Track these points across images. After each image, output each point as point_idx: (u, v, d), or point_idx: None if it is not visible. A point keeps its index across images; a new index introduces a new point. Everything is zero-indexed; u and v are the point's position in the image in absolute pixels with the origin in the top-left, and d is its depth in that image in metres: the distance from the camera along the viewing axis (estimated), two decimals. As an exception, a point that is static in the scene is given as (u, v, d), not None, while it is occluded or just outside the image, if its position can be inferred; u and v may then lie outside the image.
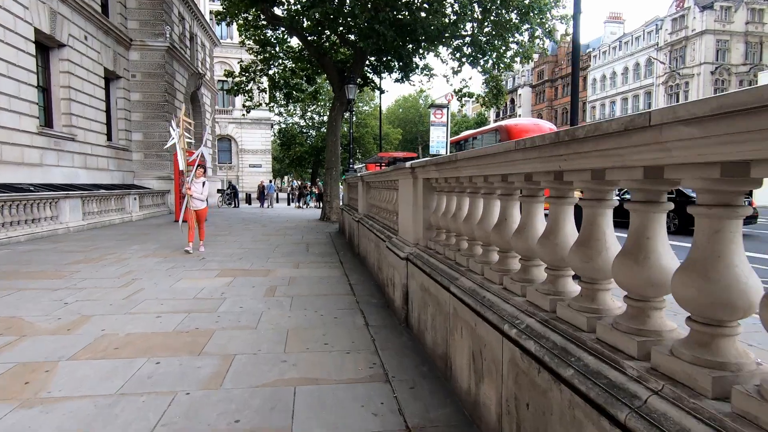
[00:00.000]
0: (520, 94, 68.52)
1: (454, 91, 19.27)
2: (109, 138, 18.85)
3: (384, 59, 18.55)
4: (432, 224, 4.28)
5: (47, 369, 3.35)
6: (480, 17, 15.94)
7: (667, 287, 1.55)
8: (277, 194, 37.78)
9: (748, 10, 42.50)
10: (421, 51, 17.44)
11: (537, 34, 16.17)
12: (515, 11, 15.34)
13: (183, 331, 4.22)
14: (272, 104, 23.71)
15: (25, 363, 3.45)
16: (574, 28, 7.15)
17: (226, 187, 29.76)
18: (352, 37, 17.16)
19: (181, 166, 8.86)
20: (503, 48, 17.06)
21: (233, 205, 28.63)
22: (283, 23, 16.65)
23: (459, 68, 17.60)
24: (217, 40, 33.20)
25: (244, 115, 28.17)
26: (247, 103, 20.94)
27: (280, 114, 45.68)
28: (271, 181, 35.22)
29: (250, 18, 18.42)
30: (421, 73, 19.60)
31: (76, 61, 15.82)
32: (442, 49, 18.16)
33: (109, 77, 18.94)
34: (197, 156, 8.97)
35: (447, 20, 15.43)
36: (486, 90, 20.15)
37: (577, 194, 2.44)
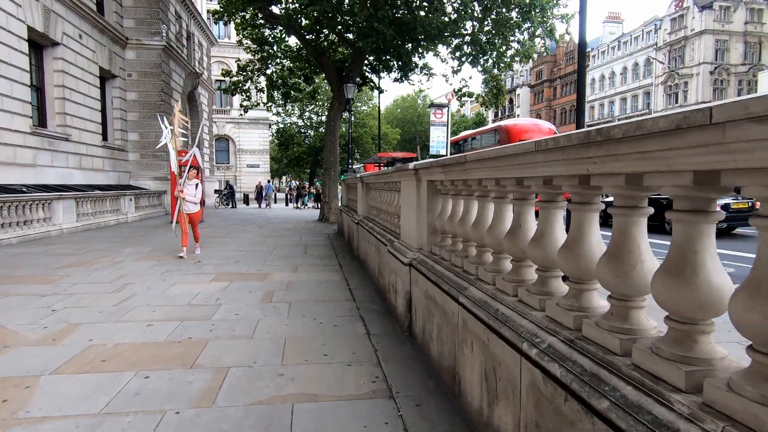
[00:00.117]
0: (518, 94, 68.40)
1: (454, 90, 19.09)
2: (105, 138, 18.61)
3: (383, 58, 18.35)
4: (436, 228, 4.08)
5: (28, 385, 3.14)
6: (480, 16, 15.75)
7: (717, 308, 1.36)
8: (275, 194, 37.53)
9: (747, 9, 42.43)
10: (420, 50, 17.25)
11: (538, 32, 15.98)
12: (517, 9, 15.15)
13: (175, 341, 4.02)
14: (270, 104, 23.49)
15: (4, 378, 3.24)
16: (581, 26, 6.96)
17: (224, 187, 29.49)
18: (351, 36, 16.96)
19: (173, 167, 8.56)
20: (503, 47, 16.89)
21: (230, 206, 28.37)
22: (281, 21, 16.43)
23: (459, 67, 17.41)
24: (214, 39, 32.95)
25: (241, 115, 27.83)
26: (245, 103, 20.73)
27: (278, 114, 45.46)
28: (269, 182, 35.00)
29: (247, 17, 18.20)
30: (421, 72, 19.42)
31: (70, 60, 15.59)
32: (441, 49, 17.98)
33: (105, 76, 18.69)
34: (189, 157, 8.70)
35: (447, 19, 15.24)
36: (486, 90, 19.98)
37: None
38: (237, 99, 34.04)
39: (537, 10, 14.97)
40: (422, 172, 4.08)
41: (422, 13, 15.43)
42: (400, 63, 18.27)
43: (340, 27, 16.39)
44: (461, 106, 66.28)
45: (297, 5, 15.92)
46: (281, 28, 18.44)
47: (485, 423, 2.43)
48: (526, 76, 67.62)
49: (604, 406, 1.45)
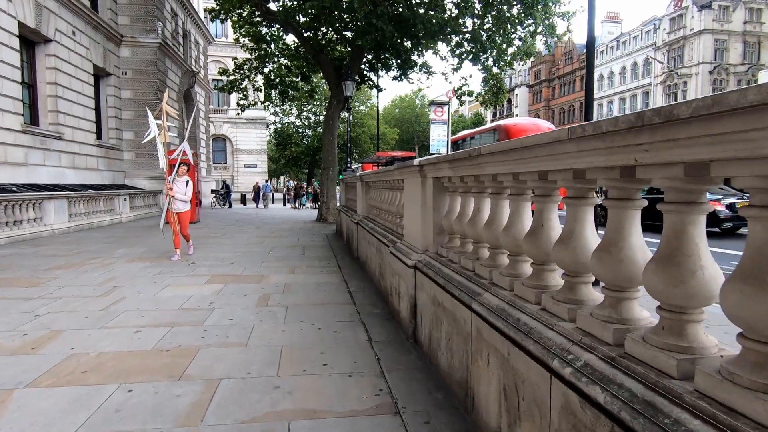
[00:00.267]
0: (517, 94, 68.20)
1: (454, 89, 18.84)
2: (99, 137, 18.30)
3: (382, 57, 18.09)
4: (443, 229, 3.83)
5: (0, 399, 2.87)
6: (480, 13, 15.51)
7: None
8: (273, 194, 37.21)
9: (746, 9, 42.35)
10: (420, 47, 16.99)
11: (539, 30, 15.74)
12: (519, 5, 14.91)
13: (163, 350, 3.75)
14: (267, 103, 23.20)
15: (-26, 392, 2.97)
16: (589, 20, 6.71)
17: (220, 187, 29.17)
18: (349, 34, 16.70)
19: (162, 164, 8.15)
20: (504, 45, 16.64)
21: (227, 206, 28.05)
22: (278, 18, 16.15)
23: (459, 65, 17.16)
24: (211, 38, 32.65)
25: (238, 114, 27.56)
26: (242, 102, 20.43)
27: (275, 114, 45.15)
28: (266, 182, 34.70)
29: (244, 14, 17.93)
30: (420, 71, 19.17)
31: (63, 57, 15.28)
32: (441, 46, 17.74)
33: (99, 74, 18.38)
34: (179, 152, 8.34)
35: (447, 15, 15.00)
36: (486, 88, 19.73)
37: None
38: (234, 98, 33.69)
39: (539, 6, 14.74)
40: (428, 168, 3.82)
41: (422, 11, 15.18)
42: (399, 61, 18.02)
43: (338, 24, 16.12)
44: (461, 105, 66.06)
45: (294, 2, 15.65)
46: (279, 26, 18.18)
47: (504, 446, 2.18)
48: (524, 76, 67.46)
49: (667, 444, 1.19)
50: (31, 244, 10.15)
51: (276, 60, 19.95)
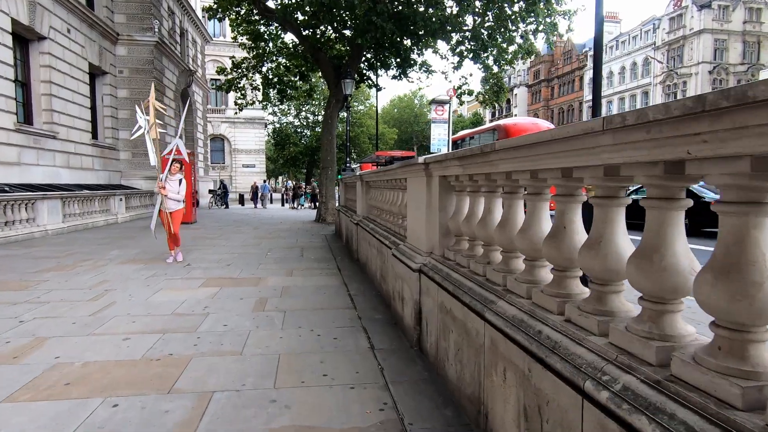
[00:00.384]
0: (516, 94, 68.06)
1: (455, 88, 18.64)
2: (95, 136, 18.06)
3: (381, 56, 17.89)
4: (450, 230, 3.62)
5: (-27, 416, 2.66)
6: (481, 10, 15.31)
7: None
8: (271, 195, 37.00)
9: (746, 9, 42.26)
10: (420, 45, 16.79)
11: (541, 28, 15.54)
12: (522, 2, 14.71)
13: (153, 359, 3.53)
14: (266, 103, 22.99)
15: (-54, 407, 2.75)
16: (597, 15, 6.51)
17: (218, 186, 28.92)
18: (348, 32, 16.49)
19: (153, 161, 7.86)
20: (505, 44, 16.45)
21: (224, 206, 27.81)
22: (276, 16, 15.93)
23: (459, 63, 16.95)
24: (209, 37, 32.43)
25: (236, 113, 27.32)
26: (240, 101, 20.19)
27: (274, 113, 44.91)
28: (265, 182, 34.48)
29: (242, 12, 17.71)
30: (420, 69, 18.97)
31: (57, 54, 15.04)
32: (441, 45, 17.54)
33: (95, 73, 18.14)
34: (172, 149, 8.05)
35: (448, 12, 14.80)
36: (486, 87, 19.54)
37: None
38: (232, 98, 33.50)
39: (542, 4, 14.54)
40: (434, 166, 3.61)
41: (422, 8, 14.98)
42: (398, 60, 17.81)
43: (337, 22, 15.91)
44: (460, 105, 65.93)
45: (293, -1, 15.45)
46: (277, 24, 17.96)
47: (524, 472, 1.97)
48: (523, 76, 67.34)
49: (743, 494, 0.99)
50: (23, 245, 9.92)
51: (274, 59, 19.73)
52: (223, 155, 44.65)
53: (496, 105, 22.15)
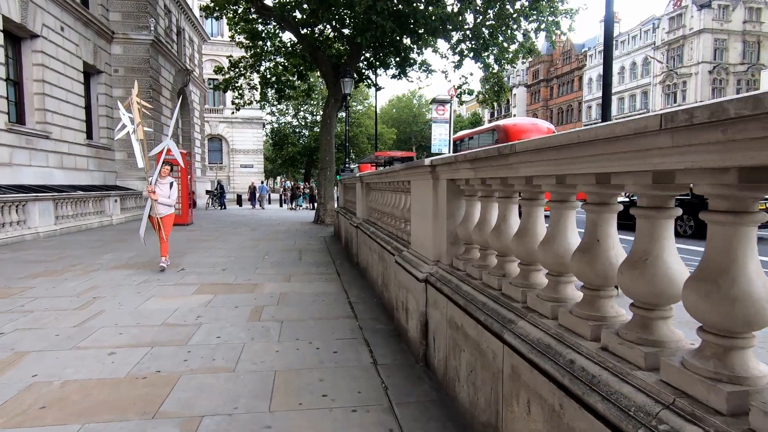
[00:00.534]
0: (515, 94, 67.84)
1: (455, 87, 18.40)
2: (89, 136, 17.75)
3: (380, 54, 17.64)
4: (459, 238, 3.37)
5: (-66, 446, 2.40)
6: (482, 8, 15.07)
7: None
8: (269, 195, 36.70)
9: (746, 8, 42.11)
10: (420, 44, 16.54)
11: (542, 26, 15.30)
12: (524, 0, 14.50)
13: (139, 377, 3.27)
14: (264, 102, 22.70)
15: None
16: (607, 10, 6.27)
17: (215, 187, 28.62)
18: (347, 31, 16.23)
19: (140, 163, 7.50)
20: (506, 42, 16.21)
21: (221, 207, 27.51)
22: (274, 14, 15.66)
23: (460, 62, 16.70)
24: (206, 36, 32.13)
25: (233, 113, 27.04)
26: (237, 101, 19.91)
27: (272, 114, 44.61)
28: (262, 182, 34.19)
29: (239, 11, 17.44)
30: (419, 69, 18.72)
31: (51, 53, 14.74)
32: (441, 43, 17.30)
33: (89, 72, 17.83)
34: (162, 149, 7.71)
35: (449, 10, 14.56)
36: (487, 87, 19.30)
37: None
38: (230, 98, 33.21)
39: (545, 2, 14.31)
40: (441, 169, 3.36)
41: (422, 6, 14.73)
42: (398, 59, 17.56)
43: (336, 20, 15.64)
44: (460, 105, 65.77)
45: (290, -4, 15.18)
46: (275, 23, 17.70)
47: None
48: (522, 76, 67.14)
49: None
50: (12, 248, 9.63)
51: (272, 58, 19.46)
52: (220, 155, 44.34)
53: (495, 105, 21.88)
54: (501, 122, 23.74)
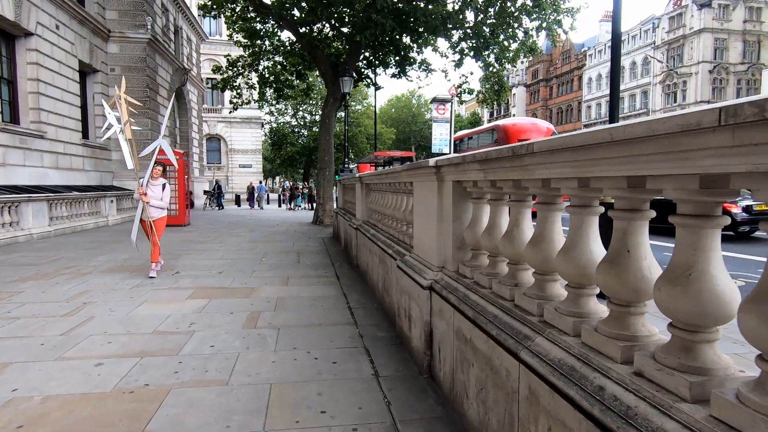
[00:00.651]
0: (514, 94, 67.63)
1: (456, 86, 18.22)
2: (85, 136, 17.53)
3: (380, 54, 17.45)
4: (465, 243, 3.18)
5: None
6: (483, 6, 14.88)
7: None
8: (268, 195, 36.50)
9: (746, 8, 41.99)
10: (420, 42, 16.36)
11: (545, 25, 15.12)
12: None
13: (126, 391, 3.08)
14: (262, 102, 22.47)
15: None
16: (615, 11, 6.08)
17: (212, 187, 28.41)
18: (346, 30, 16.04)
19: (129, 164, 7.24)
20: (506, 42, 16.03)
21: (219, 207, 27.30)
22: (273, 12, 15.46)
23: (461, 61, 16.51)
24: (204, 35, 31.91)
25: (231, 112, 26.82)
26: (235, 100, 19.70)
27: (271, 113, 44.39)
28: (261, 182, 33.98)
29: (237, 9, 17.23)
30: (419, 68, 18.54)
31: (45, 51, 14.51)
32: (441, 42, 17.13)
33: (85, 71, 17.61)
34: (154, 149, 7.47)
35: (450, 8, 14.38)
36: (487, 86, 19.12)
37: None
38: (228, 97, 32.99)
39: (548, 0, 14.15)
40: (447, 170, 3.17)
41: (422, 5, 14.54)
42: (397, 58, 17.38)
43: (335, 19, 15.44)
44: (460, 104, 65.67)
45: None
46: (273, 22, 17.50)
47: None
48: (521, 76, 66.98)
49: None
50: (5, 250, 9.42)
51: (270, 57, 19.26)
52: (219, 155, 44.13)
53: (495, 105, 21.68)
54: (500, 122, 23.58)
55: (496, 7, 14.83)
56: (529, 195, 2.43)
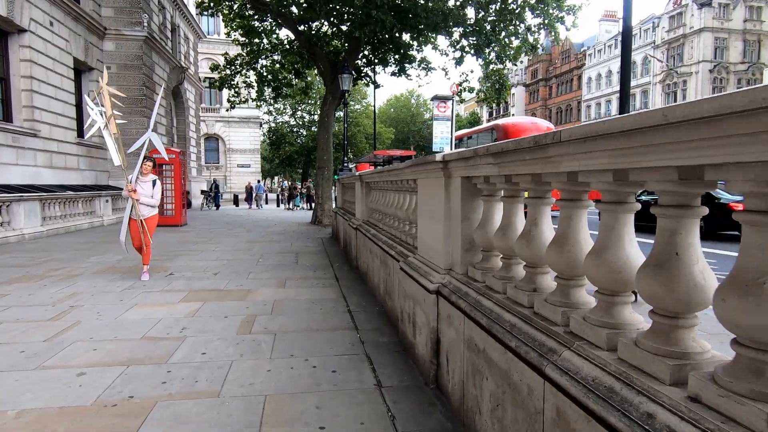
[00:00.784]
0: (513, 93, 67.39)
1: (457, 84, 18.00)
2: (80, 135, 17.24)
3: (379, 52, 17.23)
4: (475, 244, 2.95)
5: None
6: (484, 2, 14.66)
7: None
8: (267, 195, 36.25)
9: (746, 7, 41.86)
10: (420, 40, 16.13)
11: (547, 21, 14.90)
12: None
13: (108, 404, 2.84)
14: (260, 101, 22.24)
15: None
16: (625, 9, 5.86)
17: (210, 187, 28.14)
18: (344, 27, 15.81)
19: (116, 161, 6.93)
20: (507, 39, 15.82)
21: (216, 207, 27.04)
22: (270, 9, 15.23)
23: (461, 59, 16.29)
24: (201, 34, 31.65)
25: (228, 110, 26.57)
26: (233, 99, 19.46)
27: (269, 113, 44.15)
28: (259, 182, 33.73)
29: (235, 7, 16.99)
30: (419, 66, 18.32)
31: (39, 48, 14.27)
32: (441, 40, 16.92)
33: (80, 68, 17.37)
34: (143, 144, 7.08)
35: (451, 4, 14.16)
36: (488, 85, 18.91)
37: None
38: (227, 97, 32.76)
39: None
40: (455, 165, 2.94)
41: (422, 1, 14.32)
42: (397, 56, 17.16)
43: (334, 16, 15.21)
44: (461, 102, 65.51)
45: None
46: (271, 20, 17.27)
47: None
48: (521, 75, 66.79)
49: None
50: (-5, 251, 9.18)
51: (268, 55, 19.02)
52: (217, 155, 43.89)
53: (494, 104, 21.47)
54: (500, 121, 23.35)
55: (498, 4, 14.61)
56: (549, 191, 2.20)
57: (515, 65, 20.34)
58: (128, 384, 3.14)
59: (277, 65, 19.14)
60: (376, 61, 18.02)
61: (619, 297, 1.69)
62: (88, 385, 3.10)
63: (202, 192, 27.84)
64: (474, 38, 15.43)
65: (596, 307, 1.78)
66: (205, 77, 35.50)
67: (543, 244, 2.15)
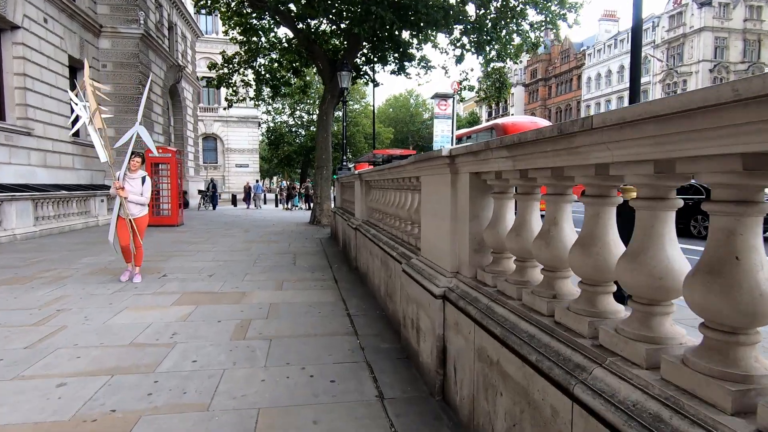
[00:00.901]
0: (513, 93, 67.24)
1: (458, 82, 17.79)
2: (76, 133, 17.00)
3: (379, 50, 17.02)
4: (485, 245, 2.74)
5: None
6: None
7: None
8: (265, 195, 36.00)
9: (746, 7, 41.75)
10: (420, 37, 15.92)
11: (549, 18, 14.70)
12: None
13: (88, 419, 2.62)
14: (259, 100, 21.99)
15: None
16: (635, 6, 5.62)
17: (207, 186, 27.88)
18: (344, 25, 15.59)
19: (102, 157, 6.64)
20: (508, 37, 15.61)
21: (212, 207, 26.79)
22: (269, 7, 15.00)
23: (461, 56, 16.08)
24: (199, 32, 31.39)
25: (225, 109, 26.33)
26: (231, 97, 19.22)
27: (268, 113, 43.91)
28: (257, 182, 33.49)
29: (233, 4, 16.76)
30: (419, 65, 18.11)
31: (33, 45, 14.02)
32: (442, 38, 16.71)
33: (76, 66, 17.06)
34: (130, 138, 6.72)
35: (452, 1, 13.96)
36: (488, 83, 18.72)
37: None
38: (224, 95, 32.47)
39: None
40: (463, 160, 2.73)
41: (422, -1, 14.12)
42: (396, 55, 16.94)
43: (333, 13, 14.98)
44: (461, 101, 65.31)
45: (285, -12, 14.53)
46: (269, 18, 17.04)
47: None
48: (520, 75, 66.64)
49: None
50: (-15, 252, 8.94)
51: (267, 54, 18.79)
52: (215, 155, 43.69)
53: (493, 104, 21.31)
54: (499, 120, 23.13)
55: (499, 1, 14.41)
56: (571, 187, 1.99)
57: (516, 63, 20.13)
58: (111, 396, 2.92)
59: (276, 64, 18.92)
60: (376, 59, 17.82)
61: (659, 307, 1.48)
62: (69, 398, 2.88)
63: (200, 192, 27.59)
64: (475, 36, 15.22)
65: (631, 317, 1.56)
66: (203, 76, 35.22)
67: (565, 245, 1.94)
